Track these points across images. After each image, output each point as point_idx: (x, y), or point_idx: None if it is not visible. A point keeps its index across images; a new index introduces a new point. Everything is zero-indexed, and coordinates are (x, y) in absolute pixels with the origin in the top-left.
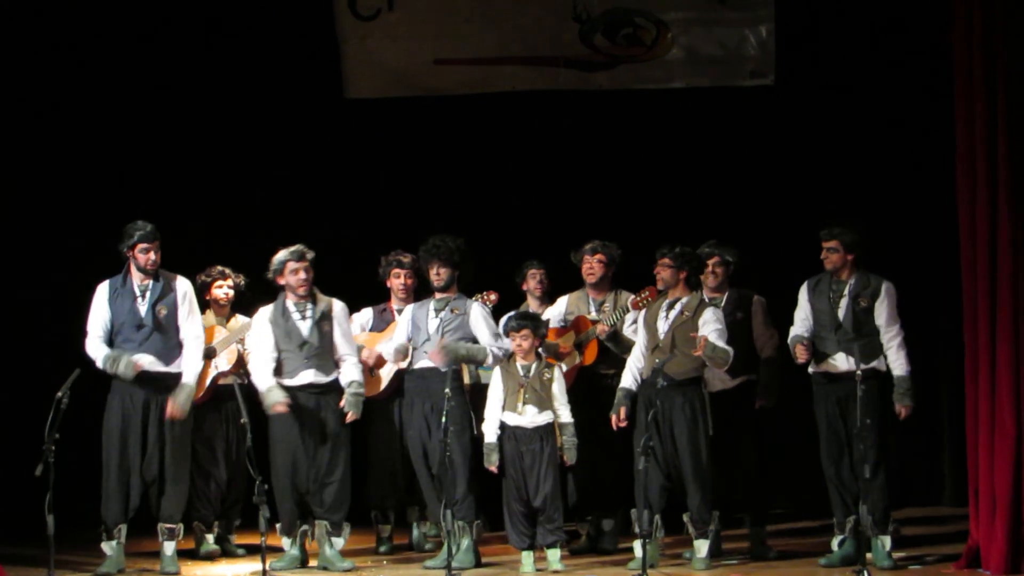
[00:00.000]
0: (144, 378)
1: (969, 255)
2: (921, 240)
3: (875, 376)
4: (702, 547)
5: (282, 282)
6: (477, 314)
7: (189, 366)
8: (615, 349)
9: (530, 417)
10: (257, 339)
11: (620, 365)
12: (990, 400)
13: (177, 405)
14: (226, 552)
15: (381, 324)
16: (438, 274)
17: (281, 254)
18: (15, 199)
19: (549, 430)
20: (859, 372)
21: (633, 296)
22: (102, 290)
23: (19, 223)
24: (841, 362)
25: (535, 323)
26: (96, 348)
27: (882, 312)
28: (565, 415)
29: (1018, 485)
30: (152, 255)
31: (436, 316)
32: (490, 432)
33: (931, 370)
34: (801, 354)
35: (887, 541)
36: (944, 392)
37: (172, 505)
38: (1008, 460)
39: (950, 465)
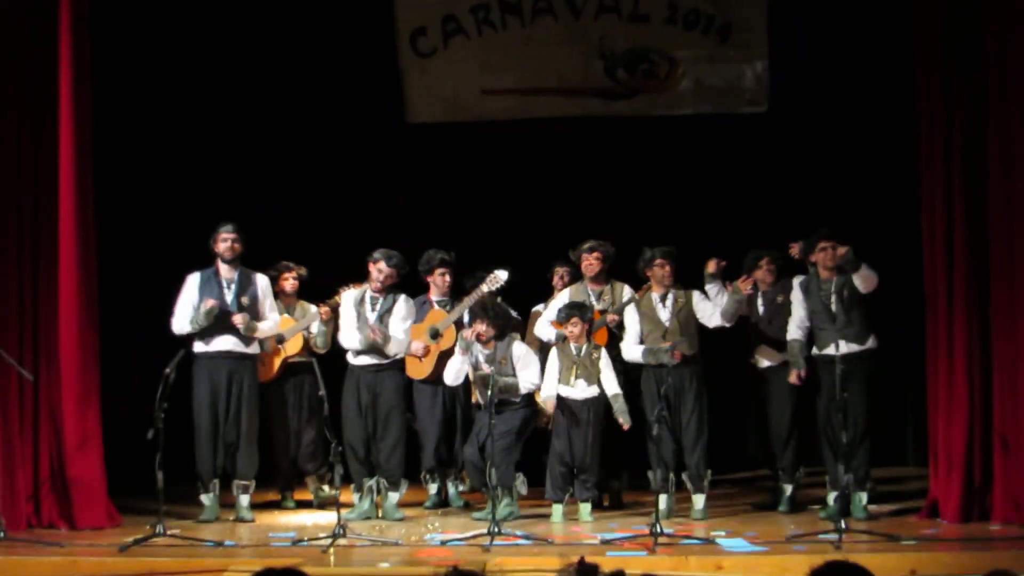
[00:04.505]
0: (228, 358)
1: (930, 252)
2: (891, 238)
3: (868, 356)
4: (699, 500)
5: (371, 267)
6: (518, 358)
7: (264, 325)
8: (621, 334)
9: (580, 390)
10: (345, 314)
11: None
12: (947, 374)
13: (243, 319)
14: (321, 504)
15: (422, 314)
16: (489, 331)
17: (383, 251)
18: (133, 212)
19: (595, 402)
20: (838, 355)
21: (633, 291)
22: (193, 279)
23: (137, 229)
24: (839, 347)
25: (581, 311)
26: (181, 320)
27: (859, 281)
28: (612, 387)
29: (971, 447)
30: (231, 243)
31: (487, 362)
32: (548, 390)
33: (897, 349)
34: (795, 379)
35: (864, 496)
36: (908, 367)
37: (247, 465)
38: (962, 425)
39: (913, 430)
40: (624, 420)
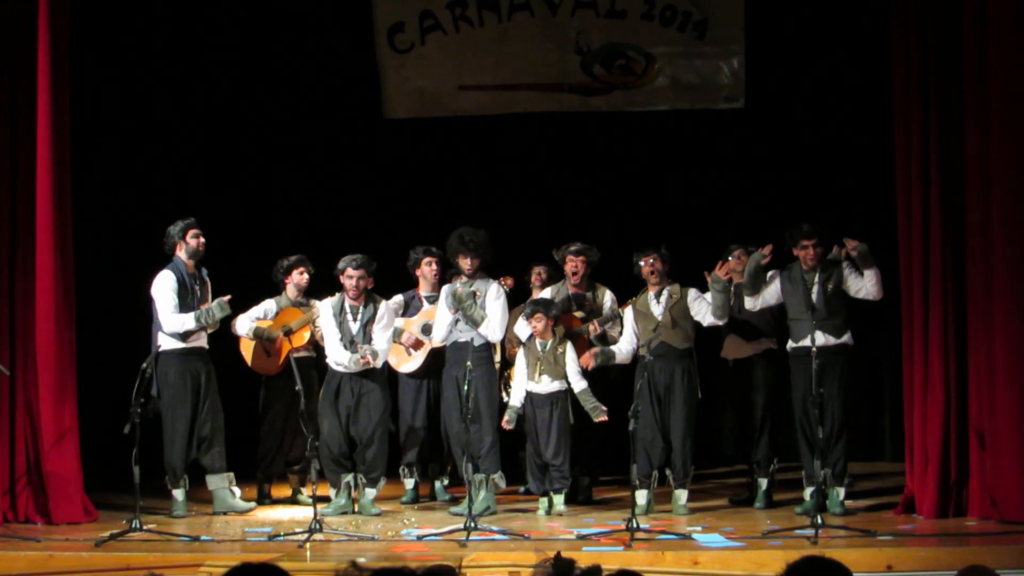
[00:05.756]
0: (199, 355)
1: (906, 247)
2: (867, 234)
3: (844, 351)
4: (682, 495)
5: (341, 280)
6: (492, 294)
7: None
8: (599, 346)
9: (545, 385)
10: (326, 326)
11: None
12: (923, 372)
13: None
14: (298, 501)
15: (412, 310)
16: (472, 263)
17: (346, 258)
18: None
19: (560, 396)
20: (814, 349)
21: (614, 298)
22: (169, 277)
23: (120, 221)
24: (817, 340)
25: (545, 307)
26: (182, 317)
27: (849, 280)
28: (577, 384)
29: (947, 444)
30: (202, 239)
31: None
32: (515, 398)
33: (874, 346)
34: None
35: (841, 492)
36: (885, 364)
37: (222, 456)
38: (938, 423)
39: (889, 426)
40: (596, 415)
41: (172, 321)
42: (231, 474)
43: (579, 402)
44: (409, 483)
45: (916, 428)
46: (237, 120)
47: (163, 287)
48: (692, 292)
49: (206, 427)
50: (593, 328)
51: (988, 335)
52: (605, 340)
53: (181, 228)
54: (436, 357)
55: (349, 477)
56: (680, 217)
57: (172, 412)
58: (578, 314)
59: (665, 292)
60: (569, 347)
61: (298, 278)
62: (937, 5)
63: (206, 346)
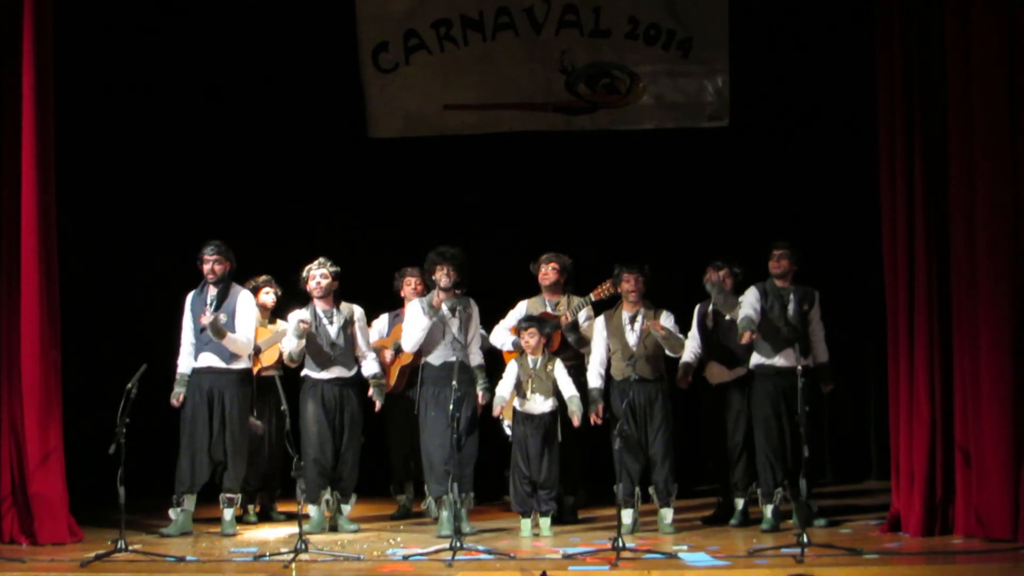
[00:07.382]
0: (208, 373)
1: (891, 265)
2: (851, 253)
3: (807, 372)
4: (667, 514)
5: (308, 288)
6: (476, 314)
7: (235, 335)
8: (572, 338)
9: (537, 404)
10: (289, 335)
11: (579, 357)
12: (909, 390)
13: (210, 317)
14: (270, 518)
15: (390, 328)
16: (448, 275)
17: (306, 267)
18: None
19: (551, 416)
20: (800, 367)
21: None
22: (188, 300)
23: (104, 241)
24: (787, 358)
25: (540, 323)
26: (181, 361)
27: (816, 313)
28: (568, 390)
29: (932, 462)
30: (212, 265)
31: (454, 315)
32: (503, 391)
33: (859, 365)
34: (746, 338)
35: (813, 505)
36: (870, 383)
37: (232, 479)
38: (924, 441)
39: (875, 445)
40: (576, 419)
41: (180, 355)
42: (231, 496)
43: (568, 417)
44: (401, 499)
45: (902, 446)
46: (221, 140)
47: (184, 314)
48: (663, 316)
49: (218, 449)
50: (564, 318)
51: (973, 353)
52: (576, 329)
53: (200, 253)
54: (413, 373)
55: (328, 494)
56: (664, 236)
57: (181, 431)
58: (552, 311)
59: (639, 318)
60: (559, 364)
61: (264, 298)
62: (920, 21)
63: (221, 365)
